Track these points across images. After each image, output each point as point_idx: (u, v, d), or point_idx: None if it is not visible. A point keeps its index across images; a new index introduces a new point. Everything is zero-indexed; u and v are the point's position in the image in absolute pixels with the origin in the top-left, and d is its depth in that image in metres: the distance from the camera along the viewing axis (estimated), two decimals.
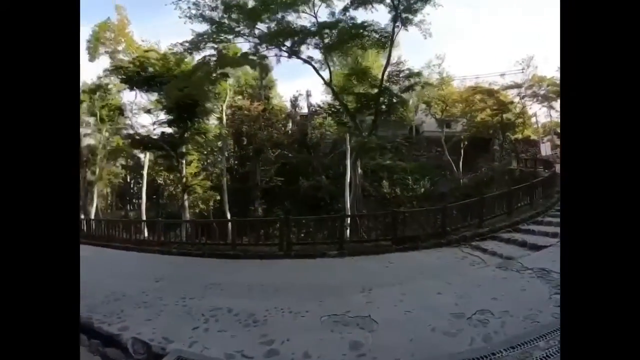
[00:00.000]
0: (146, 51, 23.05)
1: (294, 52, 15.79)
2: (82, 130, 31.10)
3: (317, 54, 16.98)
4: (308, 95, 34.27)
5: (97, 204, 30.18)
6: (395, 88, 18.07)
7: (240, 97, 29.78)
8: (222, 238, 12.89)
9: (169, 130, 20.96)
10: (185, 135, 20.80)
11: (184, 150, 21.38)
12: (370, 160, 27.07)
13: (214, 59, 17.23)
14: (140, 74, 21.00)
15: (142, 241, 15.27)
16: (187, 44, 15.98)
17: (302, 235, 12.26)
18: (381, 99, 16.98)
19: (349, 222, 12.89)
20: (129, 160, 36.21)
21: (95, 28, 26.38)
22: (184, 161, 21.81)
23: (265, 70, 30.85)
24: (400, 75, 18.13)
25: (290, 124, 34.55)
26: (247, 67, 29.54)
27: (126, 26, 26.35)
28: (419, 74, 18.27)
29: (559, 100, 29.62)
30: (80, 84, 28.68)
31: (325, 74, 17.51)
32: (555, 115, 35.00)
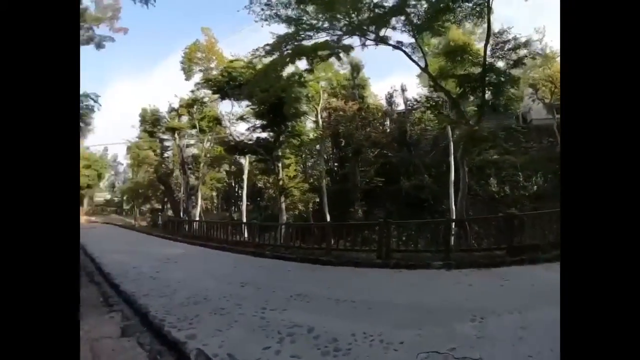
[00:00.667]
0: (231, 61, 24.15)
1: (381, 40, 14.27)
2: (186, 141, 34.01)
3: (406, 38, 15.30)
4: (403, 90, 32.74)
5: (201, 206, 32.44)
6: (501, 65, 15.11)
7: (334, 99, 29.49)
8: (317, 242, 12.43)
9: (264, 135, 21.49)
10: (280, 139, 20.96)
11: (279, 153, 21.58)
12: (476, 155, 24.64)
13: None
14: (229, 84, 21.85)
15: (238, 242, 15.66)
16: (268, 47, 15.62)
17: (403, 240, 11.18)
18: (487, 78, 14.25)
19: (454, 227, 11.47)
20: (232, 166, 38.47)
21: (186, 50, 28.67)
22: (280, 164, 22.06)
23: (356, 68, 30.54)
24: (506, 48, 14.90)
25: (387, 122, 33.54)
26: (336, 67, 29.42)
27: (214, 44, 28.32)
28: (527, 44, 14.99)
29: None
30: (179, 100, 31.23)
31: (420, 64, 15.48)
32: None
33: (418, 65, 15.33)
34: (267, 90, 17.95)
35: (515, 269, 8.17)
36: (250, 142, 21.76)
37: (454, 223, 12.13)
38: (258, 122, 21.35)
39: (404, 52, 14.47)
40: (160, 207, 44.34)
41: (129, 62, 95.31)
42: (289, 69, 17.50)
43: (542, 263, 8.44)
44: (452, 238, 10.51)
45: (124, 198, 53.61)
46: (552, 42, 26.42)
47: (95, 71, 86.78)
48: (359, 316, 5.51)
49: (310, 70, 16.89)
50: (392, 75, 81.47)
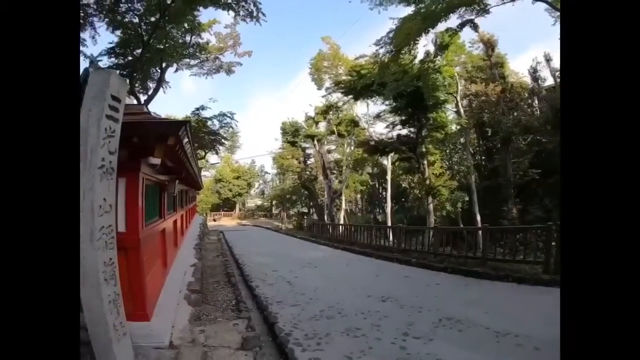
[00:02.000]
0: (356, 59, 23.50)
1: None
2: (327, 147, 34.91)
3: None
4: (548, 60, 27.35)
5: (345, 209, 32.78)
6: None
7: (473, 85, 26.77)
8: (470, 248, 11.07)
9: (404, 131, 20.31)
10: (423, 134, 19.56)
11: (423, 149, 20.13)
12: None
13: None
14: (359, 82, 21.19)
15: (381, 247, 15.00)
16: (388, 37, 14.39)
17: None
18: None
19: None
20: (374, 167, 38.33)
21: (312, 61, 29.19)
22: (425, 162, 20.63)
23: (489, 45, 26.91)
24: None
25: (536, 102, 29.02)
26: (468, 47, 26.60)
27: (338, 51, 28.23)
28: None
29: None
30: (314, 109, 32.12)
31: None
32: None
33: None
34: (398, 80, 16.76)
35: None
36: (391, 140, 20.83)
37: None
38: (397, 119, 20.32)
39: (547, 2, 11.99)
40: (306, 210, 46.64)
41: (266, 82, 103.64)
42: (420, 54, 16.13)
43: None
44: None
45: (273, 203, 57.94)
46: None
47: (238, 95, 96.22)
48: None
49: (443, 47, 14.98)
50: (530, 47, 71.67)
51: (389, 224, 24.07)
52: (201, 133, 20.54)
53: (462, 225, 20.79)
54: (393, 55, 15.30)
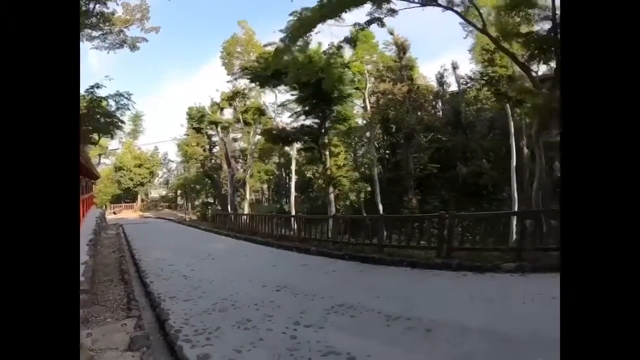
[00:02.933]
0: (265, 46, 23.16)
1: (429, 0, 12.29)
2: (233, 135, 33.85)
3: None
4: (454, 68, 30.25)
5: (250, 198, 32.12)
6: None
7: (382, 83, 27.95)
8: (368, 236, 11.19)
9: (309, 122, 20.23)
10: (326, 125, 19.64)
11: (325, 140, 20.14)
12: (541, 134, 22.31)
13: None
14: (266, 70, 20.59)
15: (283, 236, 14.81)
16: (297, 22, 14.15)
17: (467, 236, 9.51)
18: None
19: (527, 220, 9.67)
20: (281, 157, 37.96)
21: (225, 45, 28.38)
22: (327, 152, 20.67)
23: (402, 48, 28.56)
24: None
25: (439, 104, 31.46)
26: (382, 47, 27.83)
27: (252, 37, 27.82)
28: None
29: None
30: (220, 94, 31.12)
31: (476, 25, 13.13)
32: None
33: (474, 26, 13.21)
34: (300, 70, 16.61)
35: None
36: (294, 130, 20.59)
37: (526, 216, 10.30)
38: (301, 109, 20.15)
39: (456, 12, 12.50)
40: (211, 201, 44.91)
41: (175, 63, 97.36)
42: (325, 44, 16.16)
43: None
44: (525, 234, 8.91)
45: (178, 193, 54.99)
46: None
47: (145, 77, 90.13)
48: (415, 343, 4.33)
49: (349, 41, 15.17)
50: (441, 55, 77.61)
51: (293, 213, 24.02)
52: (95, 114, 18.45)
53: (365, 214, 21.40)
54: (287, 43, 15.16)
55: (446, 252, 8.53)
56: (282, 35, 15.26)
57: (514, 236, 9.29)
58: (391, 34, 28.32)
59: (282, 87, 21.51)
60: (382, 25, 14.01)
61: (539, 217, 9.84)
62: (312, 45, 18.18)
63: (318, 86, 17.61)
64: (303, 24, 13.39)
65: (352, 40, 15.34)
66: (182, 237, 18.51)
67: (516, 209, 18.22)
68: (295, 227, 15.40)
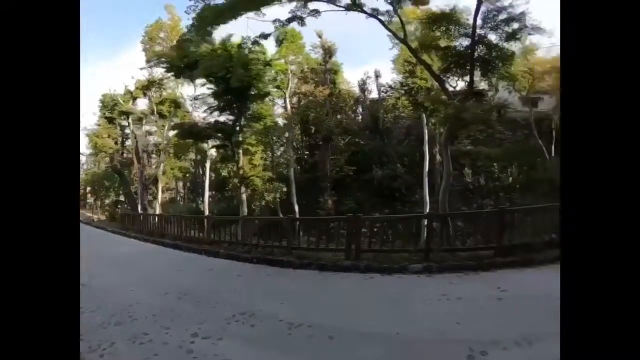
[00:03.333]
0: (184, 34, 21.83)
1: (354, 5, 12.29)
2: (147, 127, 31.45)
3: (382, 5, 12.78)
4: (377, 76, 31.06)
5: (164, 197, 30.06)
6: (494, 38, 12.44)
7: (305, 84, 27.86)
8: (277, 238, 10.81)
9: (223, 118, 19.19)
10: (241, 123, 18.76)
11: (239, 138, 19.17)
12: (454, 143, 23.69)
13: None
14: (183, 60, 19.34)
15: (192, 238, 14.05)
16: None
17: (376, 237, 9.54)
18: (476, 53, 12.08)
19: (434, 222, 9.79)
20: (197, 154, 35.92)
21: (147, 28, 26.43)
22: (240, 151, 19.75)
23: (328, 52, 28.79)
24: (499, 19, 11.92)
25: (360, 109, 32.18)
26: (308, 49, 27.79)
27: (178, 24, 25.77)
28: (522, 16, 11.71)
29: None
30: (134, 82, 29.02)
31: (398, 35, 13.28)
32: None
33: (395, 35, 13.38)
34: (214, 62, 15.95)
35: (509, 275, 6.90)
36: (208, 125, 19.42)
37: (433, 218, 10.60)
38: (216, 104, 18.97)
39: (380, 20, 12.59)
40: (123, 199, 41.41)
41: (95, 47, 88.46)
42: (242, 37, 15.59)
43: (537, 266, 7.28)
44: (432, 235, 9.09)
45: (87, 190, 50.17)
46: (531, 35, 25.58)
47: None
48: (315, 352, 4.12)
49: (266, 37, 14.66)
50: (368, 64, 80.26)
51: (207, 213, 22.87)
52: None
53: (281, 215, 21.05)
54: (191, 33, 14.69)
55: (355, 254, 8.46)
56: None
57: (424, 238, 9.45)
58: (319, 37, 28.37)
59: (201, 80, 20.24)
60: (302, 24, 13.75)
61: (445, 219, 10.15)
62: (236, 39, 17.53)
63: (236, 82, 16.79)
64: (208, 15, 12.68)
65: (266, 36, 14.89)
66: (86, 240, 16.75)
67: (427, 211, 18.95)
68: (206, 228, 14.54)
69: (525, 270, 7.08)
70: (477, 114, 11.41)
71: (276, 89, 23.99)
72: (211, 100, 19.06)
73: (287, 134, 27.06)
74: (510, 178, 24.12)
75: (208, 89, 18.72)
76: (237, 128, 18.67)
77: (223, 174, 31.70)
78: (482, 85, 27.42)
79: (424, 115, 21.49)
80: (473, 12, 11.50)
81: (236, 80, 15.55)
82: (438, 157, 22.47)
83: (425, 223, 9.18)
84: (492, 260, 7.67)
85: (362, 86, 31.98)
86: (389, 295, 6.08)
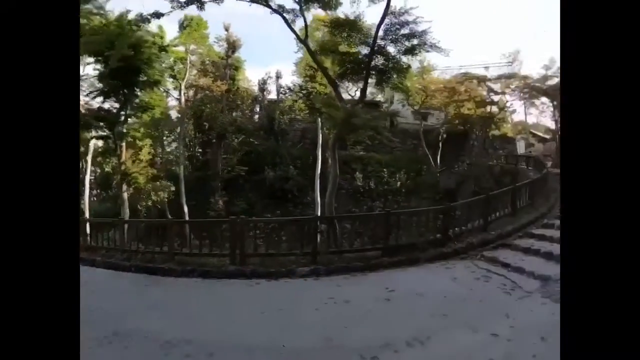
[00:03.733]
0: None
1: None
2: None
3: (289, 3, 12.71)
4: (278, 77, 31.11)
5: None
6: (393, 50, 12.82)
7: (204, 77, 26.40)
8: (159, 243, 9.82)
9: (107, 105, 16.92)
10: (127, 112, 16.70)
11: (123, 130, 17.01)
12: (347, 149, 24.52)
13: None
14: None
15: None
16: None
17: (261, 241, 8.97)
18: (373, 62, 12.35)
19: (322, 224, 9.81)
20: (82, 145, 31.77)
21: None
22: (123, 144, 17.70)
23: (232, 46, 27.76)
24: (401, 33, 12.23)
25: (257, 109, 31.59)
26: (212, 41, 26.55)
27: None
28: (423, 34, 12.18)
29: (541, 99, 29.07)
30: None
31: (299, 34, 13.35)
32: (536, 113, 34.35)
33: (297, 35, 13.25)
34: (97, 37, 14.07)
35: (395, 274, 7.07)
36: (88, 112, 16.92)
37: (320, 220, 10.57)
38: (100, 88, 16.63)
39: (283, 17, 12.35)
40: None
41: None
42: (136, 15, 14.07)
43: (422, 264, 7.61)
44: (320, 237, 8.99)
45: None
46: (431, 56, 28.05)
47: None
48: None
49: (159, 15, 13.32)
50: (271, 64, 79.88)
51: (87, 214, 20.11)
52: None
53: (170, 216, 19.57)
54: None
55: (240, 258, 7.98)
56: None
57: (319, 240, 9.29)
58: (226, 29, 27.39)
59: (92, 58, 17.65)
60: (202, 8, 12.89)
61: (332, 221, 10.13)
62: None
63: (123, 65, 14.92)
64: None
65: (181, 24, 13.71)
66: None
67: (319, 213, 19.07)
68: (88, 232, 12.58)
69: (411, 269, 7.34)
70: (366, 120, 11.55)
71: (172, 79, 22.69)
72: (95, 81, 16.73)
73: (179, 129, 25.31)
74: (399, 182, 25.31)
75: (94, 69, 16.38)
76: (122, 118, 16.60)
77: (107, 169, 28.48)
78: (379, 97, 29.11)
79: (319, 119, 21.69)
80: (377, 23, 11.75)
81: (115, 59, 13.70)
82: (330, 160, 22.94)
83: (316, 226, 9.06)
84: (379, 260, 7.84)
85: (262, 86, 31.52)
86: (275, 302, 5.78)
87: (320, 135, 22.45)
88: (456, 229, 9.47)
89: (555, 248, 7.80)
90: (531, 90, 27.56)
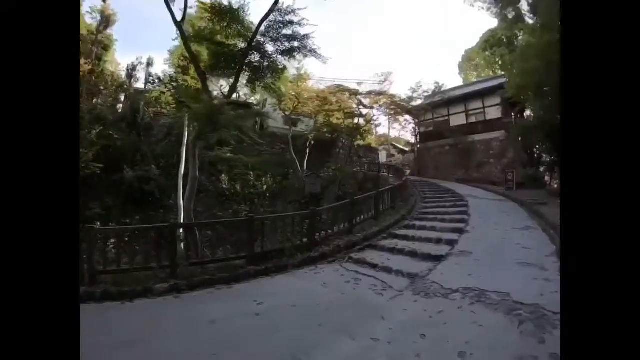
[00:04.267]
0: None
1: None
2: None
3: None
4: (149, 64, 28.00)
5: None
6: (271, 49, 12.36)
7: None
8: None
9: None
10: None
11: None
12: (214, 149, 23.45)
13: None
14: None
15: None
16: None
17: (114, 253, 7.69)
18: (249, 58, 11.84)
19: (182, 233, 8.85)
20: None
21: None
22: None
23: (106, 21, 24.51)
24: (283, 32, 11.91)
25: (122, 98, 28.37)
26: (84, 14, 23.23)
27: None
28: (305, 38, 12.00)
29: (404, 116, 31.69)
30: None
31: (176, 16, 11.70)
32: (399, 128, 37.09)
33: (173, 16, 11.58)
34: None
35: (263, 284, 6.89)
36: None
37: (180, 227, 9.33)
38: None
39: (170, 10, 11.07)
40: None
41: None
42: None
43: (290, 271, 7.67)
44: (179, 247, 8.23)
45: None
46: (309, 65, 28.78)
47: None
48: None
49: None
50: (146, 50, 73.28)
51: None
52: None
53: None
54: None
55: (89, 277, 6.75)
56: None
57: (179, 250, 8.35)
58: (104, 1, 24.38)
59: None
60: None
61: (192, 228, 9.42)
62: None
63: None
64: None
65: None
66: None
67: (182, 218, 17.87)
68: None
69: (280, 277, 7.28)
70: (231, 118, 11.00)
71: None
72: None
73: None
74: (265, 186, 25.09)
75: None
76: None
77: None
78: (252, 99, 28.71)
79: (186, 117, 20.48)
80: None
81: None
82: (197, 161, 21.76)
83: (173, 235, 8.22)
84: (246, 270, 7.53)
85: (131, 72, 27.84)
86: (128, 333, 4.88)
87: (187, 132, 21.17)
88: (322, 232, 9.71)
89: (418, 247, 8.78)
90: (397, 108, 29.84)
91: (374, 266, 7.71)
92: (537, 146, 22.65)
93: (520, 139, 21.35)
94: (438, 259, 7.87)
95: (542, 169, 22.87)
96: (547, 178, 22.30)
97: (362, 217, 11.57)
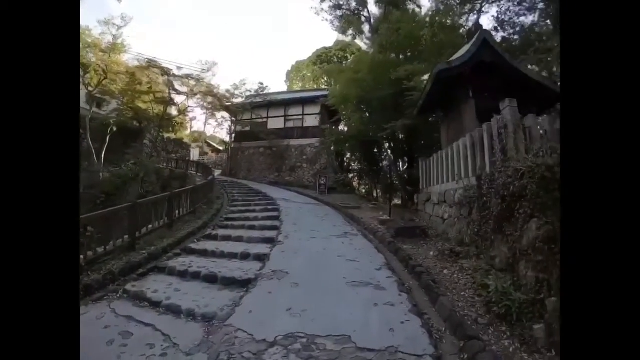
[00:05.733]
0: None
1: None
2: None
3: None
4: None
5: None
6: None
7: None
8: None
9: None
10: None
11: None
12: None
13: None
14: None
15: None
16: None
17: None
18: None
19: None
20: None
21: None
22: None
23: None
24: None
25: None
26: None
27: None
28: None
29: (222, 113, 30.23)
30: None
31: None
32: (215, 125, 36.20)
33: None
34: None
35: None
36: None
37: None
38: None
39: None
40: None
41: None
42: None
43: None
44: None
45: None
46: (129, 38, 24.34)
47: None
48: None
49: None
50: None
51: None
52: None
53: None
54: None
55: None
56: None
57: None
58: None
59: None
60: None
61: None
62: None
63: None
64: None
65: None
66: None
67: None
68: None
69: None
70: None
71: None
72: None
73: None
74: None
75: None
76: None
77: None
78: None
79: None
80: None
81: None
82: None
83: None
84: None
85: None
86: None
87: None
88: (89, 252, 6.66)
89: (220, 266, 6.97)
90: (215, 101, 27.96)
91: (156, 304, 5.45)
92: (349, 154, 23.97)
93: (332, 147, 22.01)
94: (245, 285, 6.06)
95: (351, 176, 24.25)
96: (355, 184, 23.57)
97: (151, 226, 8.95)
